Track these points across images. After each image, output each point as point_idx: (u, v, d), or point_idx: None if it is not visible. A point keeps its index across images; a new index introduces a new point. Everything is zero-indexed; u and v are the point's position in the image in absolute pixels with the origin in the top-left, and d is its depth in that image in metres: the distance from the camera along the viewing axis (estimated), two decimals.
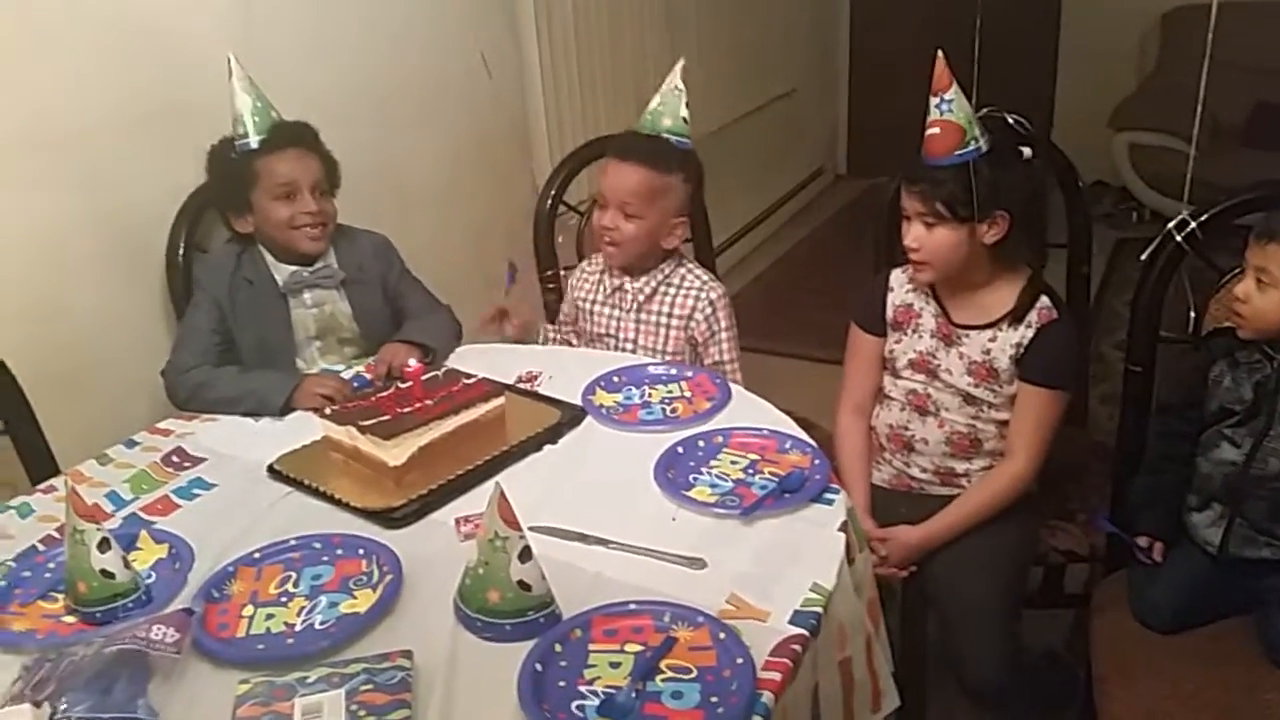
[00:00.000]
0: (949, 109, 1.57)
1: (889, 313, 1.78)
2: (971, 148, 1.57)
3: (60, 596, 1.22)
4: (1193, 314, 1.62)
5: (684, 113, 1.89)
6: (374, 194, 1.96)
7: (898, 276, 1.79)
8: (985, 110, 1.70)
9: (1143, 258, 1.62)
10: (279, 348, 1.82)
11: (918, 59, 5.84)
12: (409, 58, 2.46)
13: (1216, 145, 4.06)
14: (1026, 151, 1.64)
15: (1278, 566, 1.43)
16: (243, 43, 1.99)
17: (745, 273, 4.28)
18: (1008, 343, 1.67)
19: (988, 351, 1.68)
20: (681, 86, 1.88)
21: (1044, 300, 1.67)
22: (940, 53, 1.58)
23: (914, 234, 1.64)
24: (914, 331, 1.76)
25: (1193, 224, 1.56)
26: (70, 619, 1.19)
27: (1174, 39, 4.56)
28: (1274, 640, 1.41)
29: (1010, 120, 1.69)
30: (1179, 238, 1.57)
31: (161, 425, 1.67)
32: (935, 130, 1.58)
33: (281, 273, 1.82)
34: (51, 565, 1.29)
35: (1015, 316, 1.67)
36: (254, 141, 1.77)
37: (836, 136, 5.57)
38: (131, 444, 1.62)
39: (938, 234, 1.62)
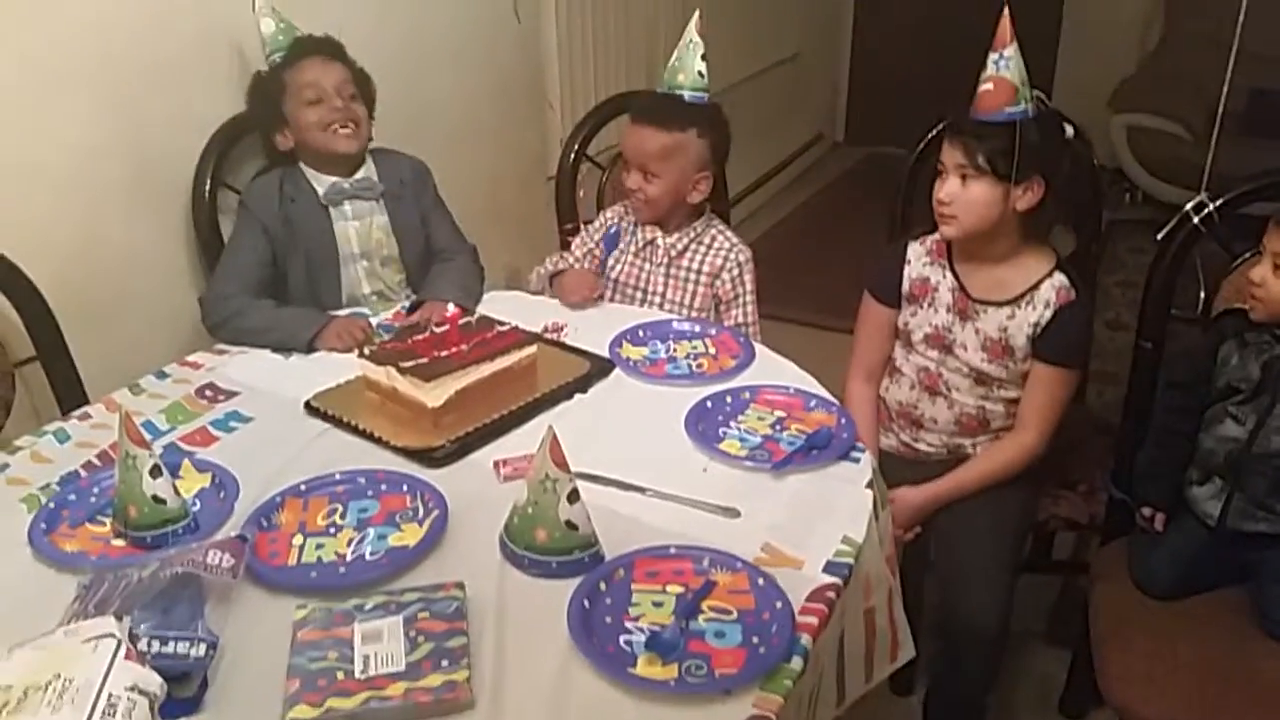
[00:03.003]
0: (1006, 66, 1.57)
1: (905, 285, 1.80)
2: (1021, 107, 1.58)
3: (108, 520, 1.25)
4: (1203, 294, 1.67)
5: (699, 66, 1.89)
6: (395, 131, 1.97)
7: (915, 249, 1.80)
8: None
9: (1159, 237, 1.66)
10: (324, 264, 1.86)
11: (920, 30, 5.88)
12: (429, 8, 2.45)
13: (1212, 130, 4.11)
14: (1069, 129, 1.67)
15: (1273, 540, 1.49)
16: None
17: (742, 238, 4.29)
18: (1026, 321, 1.69)
19: (1004, 329, 1.71)
20: (698, 40, 1.89)
21: (1062, 279, 1.69)
22: (1006, 9, 1.58)
23: (948, 188, 1.64)
24: (930, 305, 1.77)
25: (1210, 206, 1.61)
26: (119, 542, 1.22)
27: (1176, 18, 4.61)
28: (1267, 609, 1.48)
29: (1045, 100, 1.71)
30: (1196, 219, 1.62)
31: (191, 358, 1.69)
32: (989, 86, 1.59)
33: (323, 184, 1.86)
34: (96, 490, 1.32)
35: (1034, 295, 1.69)
36: (278, 56, 1.85)
37: (836, 104, 5.58)
38: (162, 375, 1.64)
39: (973, 189, 1.62)
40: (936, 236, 1.75)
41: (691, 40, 1.88)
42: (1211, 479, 1.54)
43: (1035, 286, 1.69)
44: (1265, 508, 1.49)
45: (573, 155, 2.19)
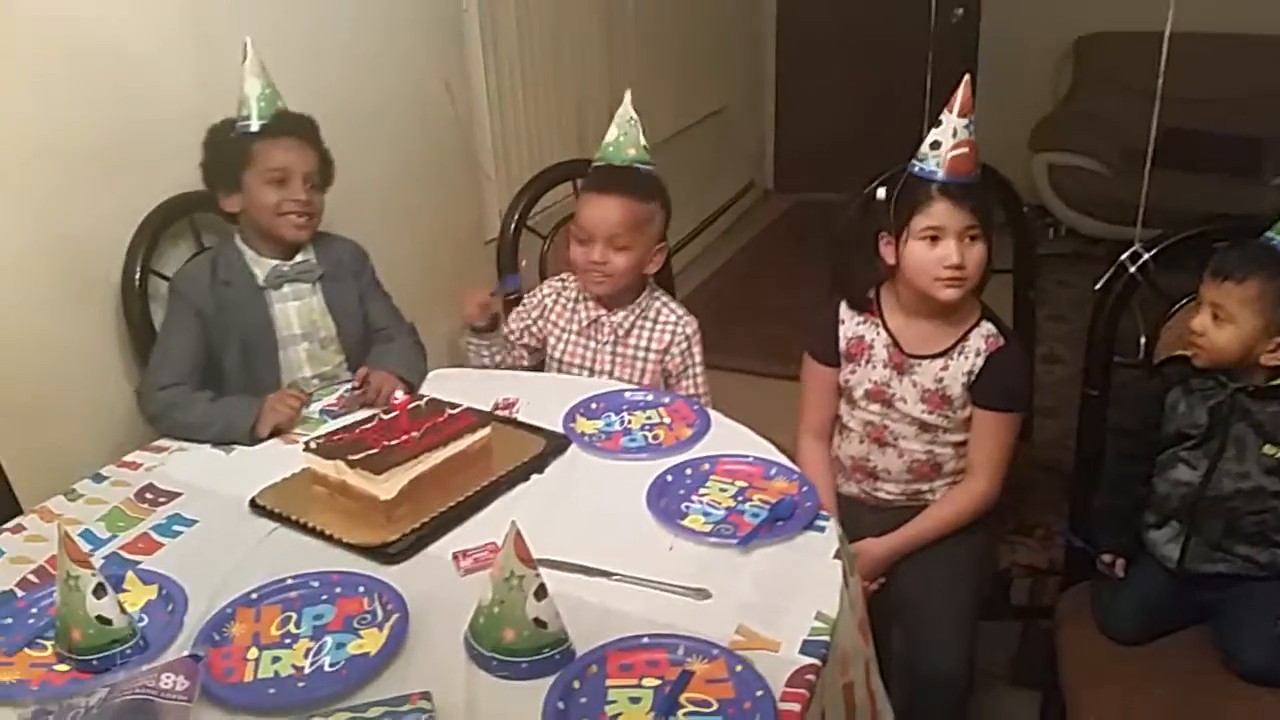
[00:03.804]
0: (972, 129, 1.62)
1: (842, 343, 1.81)
2: (977, 168, 1.64)
3: (49, 644, 1.18)
4: (1143, 340, 1.70)
5: (643, 141, 1.92)
6: (326, 202, 1.93)
7: (845, 309, 1.82)
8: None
9: (1096, 288, 1.70)
10: (261, 348, 1.81)
11: (840, 81, 5.99)
12: (358, 77, 2.43)
13: (1130, 167, 4.24)
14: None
15: (1233, 580, 1.51)
16: (194, 64, 1.96)
17: (680, 289, 4.28)
18: (960, 370, 1.72)
19: (940, 380, 1.73)
20: (635, 116, 1.90)
21: (989, 327, 1.73)
22: (967, 77, 1.63)
23: (958, 251, 1.63)
24: (867, 362, 1.79)
25: (1146, 255, 1.64)
26: (63, 667, 1.15)
27: (1086, 64, 4.78)
28: (1231, 648, 1.49)
29: None
30: (1132, 269, 1.65)
31: (128, 458, 1.62)
32: (965, 150, 1.61)
33: (262, 267, 1.82)
34: (34, 611, 1.24)
35: (964, 345, 1.72)
36: (255, 125, 1.79)
37: (765, 153, 5.67)
38: (99, 478, 1.57)
39: (978, 249, 1.65)
40: (870, 296, 1.79)
41: (630, 117, 1.89)
42: (1169, 522, 1.56)
43: (965, 337, 1.73)
44: (1223, 549, 1.51)
45: (513, 224, 2.17)
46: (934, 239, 1.65)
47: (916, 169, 1.66)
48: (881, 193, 1.75)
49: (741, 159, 5.36)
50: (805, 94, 5.44)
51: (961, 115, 1.62)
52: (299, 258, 1.84)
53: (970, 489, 1.76)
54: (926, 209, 1.64)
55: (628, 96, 1.90)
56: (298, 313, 1.85)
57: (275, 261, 1.82)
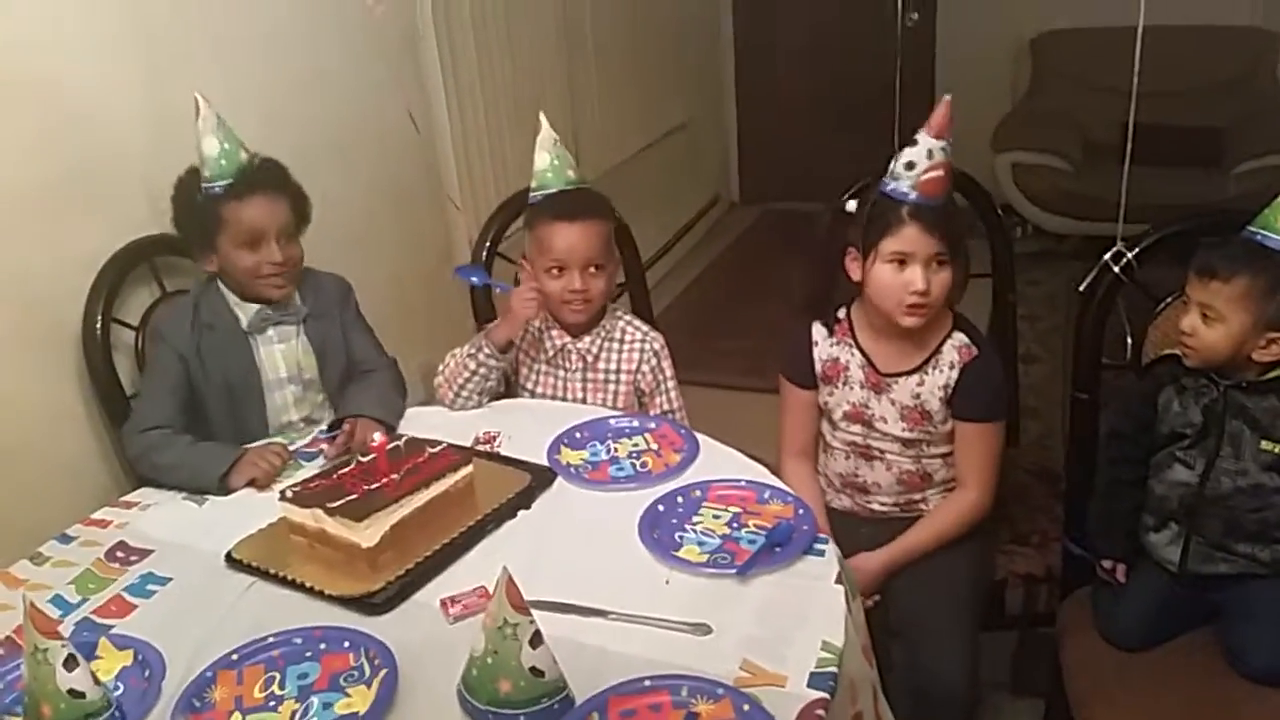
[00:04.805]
0: (949, 151, 1.58)
1: (817, 365, 1.78)
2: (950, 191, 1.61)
3: None
4: (1130, 340, 1.69)
5: (572, 159, 1.88)
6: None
7: (818, 330, 1.79)
8: None
9: (1081, 289, 1.68)
10: (247, 392, 1.76)
11: (798, 92, 5.99)
12: (331, 107, 2.39)
13: (1092, 162, 4.28)
14: None
15: (1235, 580, 1.49)
16: (145, 95, 1.91)
17: (654, 305, 4.28)
18: (936, 385, 1.69)
19: (917, 396, 1.70)
20: (557, 136, 1.86)
21: (961, 338, 1.70)
22: (948, 97, 1.58)
23: (924, 277, 1.59)
24: (844, 384, 1.76)
25: (1129, 255, 1.62)
26: None
27: (1043, 61, 4.80)
28: (1238, 650, 1.47)
29: None
30: (1116, 269, 1.63)
31: (96, 515, 1.56)
32: (939, 172, 1.57)
33: (246, 311, 1.76)
34: (1, 685, 1.18)
35: (938, 358, 1.69)
36: (219, 186, 1.69)
37: (729, 166, 5.66)
38: (66, 539, 1.50)
39: (944, 274, 1.61)
40: (840, 315, 1.76)
41: (554, 139, 1.85)
42: (1168, 525, 1.53)
43: (938, 350, 1.70)
44: (1223, 549, 1.49)
45: (485, 252, 2.12)
46: (901, 263, 1.61)
47: (889, 188, 1.61)
48: (852, 205, 1.72)
49: (706, 173, 5.34)
50: (765, 104, 5.43)
51: (939, 137, 1.57)
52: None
53: (962, 498, 1.74)
54: (897, 232, 1.60)
55: (543, 119, 1.85)
56: (283, 355, 1.80)
57: (258, 306, 1.77)
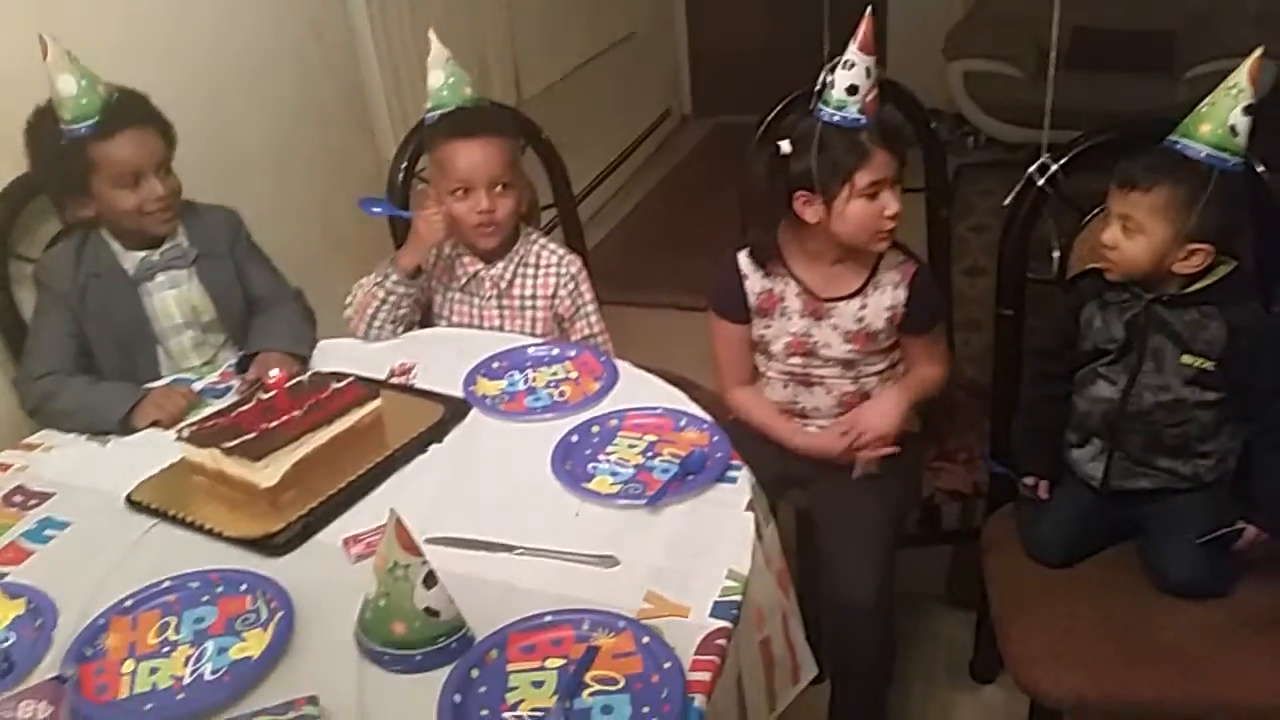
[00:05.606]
0: (875, 69, 1.51)
1: (751, 299, 1.71)
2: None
3: None
4: (1056, 254, 1.65)
5: (467, 76, 1.83)
6: (203, 169, 1.79)
7: (745, 261, 1.71)
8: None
9: (1005, 204, 1.64)
10: (138, 342, 1.69)
11: None
12: (231, 30, 2.27)
13: (1042, 69, 4.19)
14: None
15: (1156, 495, 1.49)
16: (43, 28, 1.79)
17: (602, 224, 4.20)
18: (880, 305, 1.65)
19: (861, 319, 1.66)
20: (449, 53, 1.81)
21: (896, 255, 1.66)
22: (869, 9, 1.50)
23: (897, 197, 1.56)
24: (782, 315, 1.70)
25: (1054, 167, 1.58)
26: None
27: None
28: (1157, 564, 1.47)
29: None
30: (1040, 181, 1.59)
31: None
32: (876, 90, 1.51)
33: (130, 260, 1.68)
34: None
35: (878, 278, 1.65)
36: (84, 128, 1.58)
37: (680, 77, 5.53)
38: None
39: (898, 191, 1.57)
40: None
41: (447, 56, 1.79)
42: (1090, 440, 1.52)
43: (875, 270, 1.65)
44: (1145, 464, 1.48)
45: (400, 173, 2.04)
46: (874, 193, 1.54)
47: (837, 118, 1.52)
48: (786, 146, 1.59)
49: (655, 85, 5.22)
50: (718, 11, 5.29)
51: (871, 53, 1.49)
52: (169, 243, 1.70)
53: (926, 369, 1.72)
54: (869, 162, 1.52)
55: (432, 36, 1.78)
56: (176, 301, 1.72)
57: (144, 253, 1.68)
